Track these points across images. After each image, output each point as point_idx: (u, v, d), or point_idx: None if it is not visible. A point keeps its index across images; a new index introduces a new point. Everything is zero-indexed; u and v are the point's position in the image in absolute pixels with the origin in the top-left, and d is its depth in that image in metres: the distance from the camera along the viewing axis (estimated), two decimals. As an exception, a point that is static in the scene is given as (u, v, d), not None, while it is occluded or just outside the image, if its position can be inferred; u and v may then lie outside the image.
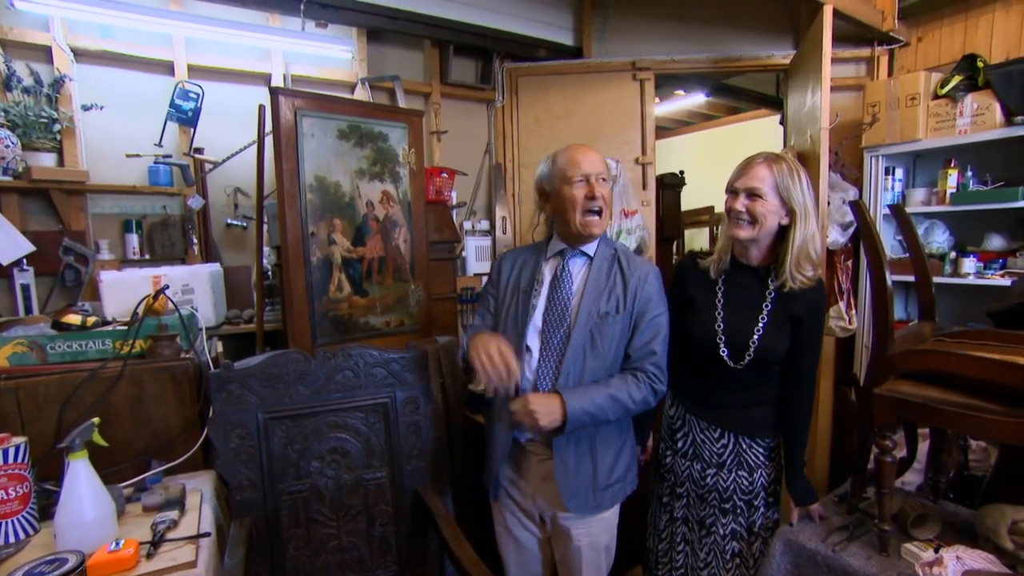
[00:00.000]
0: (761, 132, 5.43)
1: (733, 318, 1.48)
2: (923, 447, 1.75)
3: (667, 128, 6.80)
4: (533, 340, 1.50)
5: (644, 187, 3.22)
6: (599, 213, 1.47)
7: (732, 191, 1.46)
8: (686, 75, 3.43)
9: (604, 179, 1.48)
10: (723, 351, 1.48)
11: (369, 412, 1.71)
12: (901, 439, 1.67)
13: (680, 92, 5.09)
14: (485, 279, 1.75)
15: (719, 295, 1.52)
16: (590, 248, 1.54)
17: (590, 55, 3.29)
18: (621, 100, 3.21)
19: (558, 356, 1.46)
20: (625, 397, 1.42)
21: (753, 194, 1.40)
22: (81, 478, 1.19)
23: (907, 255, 1.70)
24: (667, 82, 3.69)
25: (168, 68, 2.45)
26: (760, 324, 1.44)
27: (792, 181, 1.38)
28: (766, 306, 1.45)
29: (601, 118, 3.23)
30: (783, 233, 1.44)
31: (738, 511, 1.53)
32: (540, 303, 1.51)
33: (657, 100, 4.01)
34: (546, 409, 1.36)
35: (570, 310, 1.49)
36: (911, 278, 1.68)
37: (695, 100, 5.56)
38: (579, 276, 1.52)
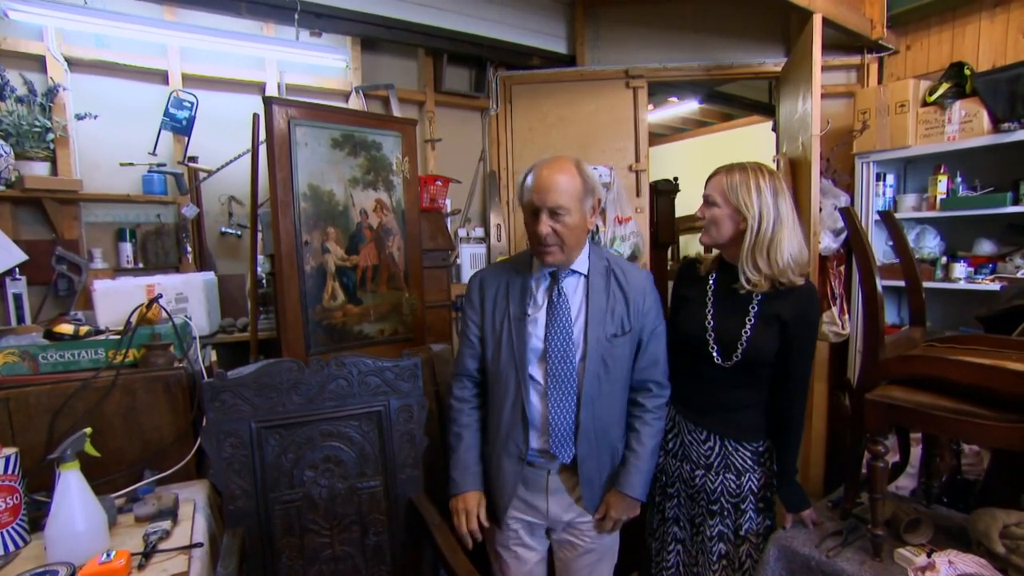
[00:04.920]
0: (754, 138, 5.47)
1: (723, 316, 1.50)
2: (916, 452, 1.76)
3: (661, 135, 6.83)
4: (536, 370, 1.45)
5: (638, 194, 3.24)
6: (547, 250, 1.39)
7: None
8: (679, 82, 3.45)
9: (560, 212, 1.35)
10: (712, 348, 1.49)
11: (363, 421, 1.70)
12: (894, 444, 1.67)
13: (673, 99, 5.12)
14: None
15: (709, 293, 1.54)
16: (581, 265, 1.47)
17: (583, 63, 3.31)
18: (614, 108, 3.23)
19: (574, 387, 1.42)
20: (656, 435, 1.52)
21: (708, 202, 1.49)
22: (72, 489, 1.18)
23: (898, 260, 1.71)
24: (660, 89, 3.70)
25: (162, 77, 2.45)
26: (748, 324, 1.46)
27: (745, 187, 1.43)
28: (753, 307, 1.46)
29: (595, 125, 3.24)
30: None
31: (725, 513, 1.53)
32: (539, 330, 1.44)
33: (650, 107, 4.04)
34: (629, 511, 1.51)
35: (575, 336, 1.43)
36: (902, 283, 1.69)
37: (688, 107, 5.59)
38: (577, 297, 1.46)
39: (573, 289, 1.47)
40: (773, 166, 3.12)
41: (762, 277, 1.43)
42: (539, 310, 1.45)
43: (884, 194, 2.88)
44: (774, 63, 3.17)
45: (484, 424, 1.58)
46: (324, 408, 1.65)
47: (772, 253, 1.40)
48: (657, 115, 5.80)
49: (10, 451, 1.23)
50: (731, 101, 4.41)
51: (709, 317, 1.51)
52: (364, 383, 1.69)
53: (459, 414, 1.58)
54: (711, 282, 1.55)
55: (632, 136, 3.23)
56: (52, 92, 2.19)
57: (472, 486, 1.53)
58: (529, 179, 1.39)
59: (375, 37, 2.81)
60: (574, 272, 1.47)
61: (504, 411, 1.48)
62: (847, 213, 1.52)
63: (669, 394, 1.55)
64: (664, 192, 3.74)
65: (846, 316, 2.87)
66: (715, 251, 1.59)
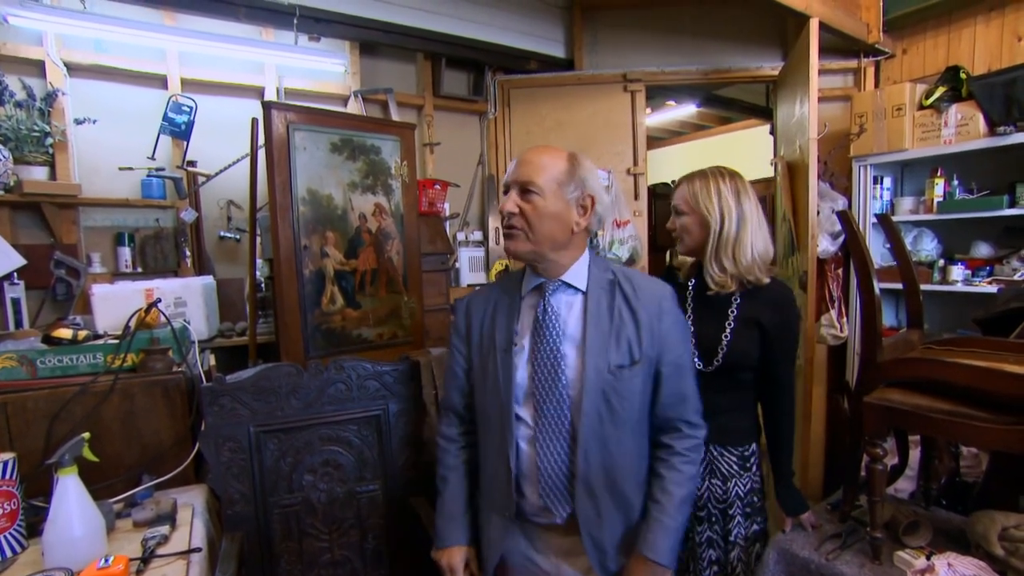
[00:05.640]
0: (752, 142, 5.49)
1: (702, 321, 1.50)
2: (914, 454, 1.76)
3: (659, 138, 6.86)
4: (524, 409, 1.21)
5: (636, 197, 3.24)
6: (510, 232, 1.19)
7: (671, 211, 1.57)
8: (677, 86, 3.46)
9: (531, 190, 1.16)
10: (693, 353, 1.49)
11: (362, 424, 1.70)
12: (892, 447, 1.67)
13: (671, 103, 5.14)
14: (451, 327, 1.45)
15: (689, 299, 1.54)
16: (577, 277, 1.23)
17: (581, 67, 3.32)
18: (612, 111, 3.24)
19: (566, 430, 1.18)
20: (685, 482, 1.22)
21: (676, 211, 1.51)
22: (70, 494, 1.18)
23: (896, 263, 1.71)
24: (658, 93, 3.73)
25: (161, 82, 2.46)
26: (728, 328, 1.46)
27: (705, 192, 1.45)
28: (732, 311, 1.47)
29: (593, 129, 3.25)
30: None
31: (713, 519, 1.52)
32: (523, 361, 1.21)
33: (648, 111, 4.05)
34: None
35: (569, 366, 1.19)
36: (900, 286, 1.70)
37: (686, 111, 5.61)
38: (573, 318, 1.22)
39: (568, 308, 1.22)
40: (771, 169, 3.15)
41: (728, 277, 1.44)
42: (525, 337, 1.22)
43: (881, 197, 2.89)
44: (771, 67, 3.18)
45: (475, 465, 1.38)
46: (323, 412, 1.65)
47: (736, 252, 1.42)
48: (655, 119, 5.82)
49: (7, 456, 1.23)
50: (729, 105, 4.43)
51: (689, 323, 1.51)
52: (363, 387, 1.69)
53: (445, 454, 1.39)
54: (690, 288, 1.56)
55: (630, 140, 3.24)
56: (51, 97, 2.20)
57: (457, 540, 1.32)
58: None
59: (374, 41, 2.82)
60: (568, 287, 1.23)
61: (490, 457, 1.28)
62: (844, 216, 1.52)
63: (704, 434, 1.28)
64: (662, 195, 3.77)
65: (844, 319, 2.87)
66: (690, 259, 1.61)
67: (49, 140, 2.19)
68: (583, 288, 1.22)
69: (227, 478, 1.54)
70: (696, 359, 1.46)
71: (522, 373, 1.21)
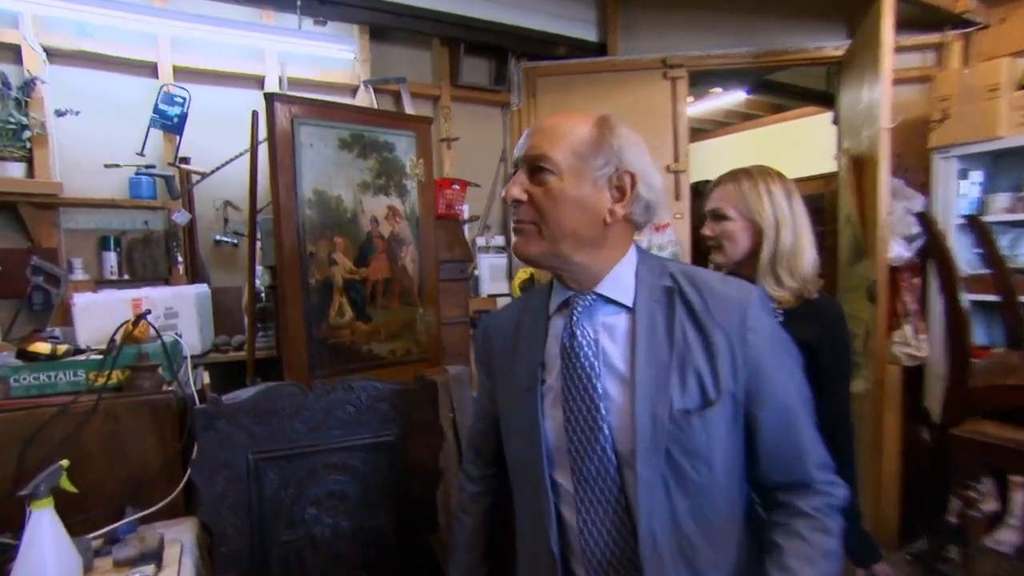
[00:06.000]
0: (810, 132, 5.41)
1: None
2: (1018, 498, 1.68)
3: (701, 130, 6.79)
4: (560, 471, 1.00)
5: (677, 197, 3.20)
6: (519, 227, 0.99)
7: (705, 215, 1.53)
8: (724, 71, 3.41)
9: (543, 166, 0.94)
10: None
11: (372, 451, 1.67)
12: (990, 489, 1.59)
13: (717, 90, 5.10)
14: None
15: None
16: (619, 287, 0.98)
17: (616, 52, 3.30)
18: (651, 101, 3.21)
19: (617, 500, 0.95)
20: (823, 564, 0.92)
21: (717, 215, 1.47)
22: (44, 530, 1.16)
23: (988, 271, 1.64)
24: (702, 80, 3.68)
25: (151, 70, 2.49)
26: None
27: (755, 194, 1.44)
28: None
29: (628, 121, 3.19)
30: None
31: None
32: (552, 404, 0.99)
33: (690, 99, 4.01)
34: None
35: (608, 412, 0.95)
36: (994, 297, 1.63)
37: (733, 98, 5.56)
38: (616, 345, 0.97)
39: (607, 332, 0.98)
40: (834, 164, 3.08)
41: (786, 292, 1.41)
42: (554, 371, 1.00)
43: (969, 194, 2.80)
44: (834, 47, 3.12)
45: (496, 513, 1.26)
46: (329, 437, 1.63)
47: (796, 264, 1.40)
48: (697, 108, 5.78)
49: (-24, 485, 1.21)
50: (783, 91, 4.37)
51: None
52: (374, 409, 1.67)
53: (463, 492, 1.27)
54: None
55: (670, 132, 3.20)
56: (28, 86, 2.22)
57: None
58: None
59: (385, 25, 2.83)
60: (606, 301, 0.99)
61: (526, 529, 1.09)
62: (924, 218, 1.48)
63: (845, 493, 0.99)
64: (707, 195, 3.71)
65: (923, 335, 2.78)
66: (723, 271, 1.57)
67: (27, 133, 2.21)
68: (628, 303, 0.98)
69: (221, 510, 1.52)
70: None
71: (552, 421, 0.99)
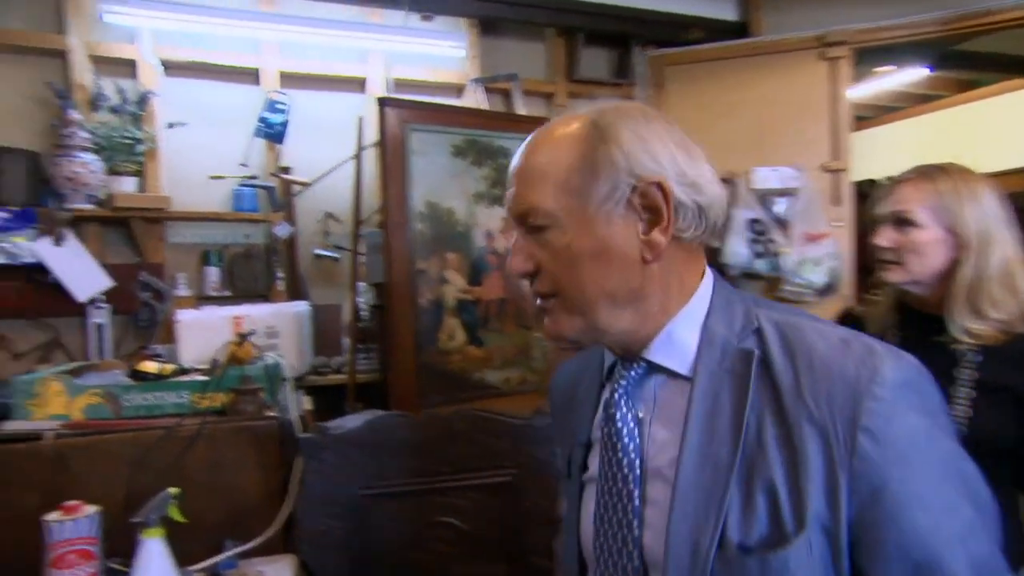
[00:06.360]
0: (1012, 114, 4.88)
1: None
2: None
3: (864, 117, 6.33)
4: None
5: (837, 202, 3.00)
6: (539, 304, 0.81)
7: (876, 220, 1.39)
8: (899, 45, 3.14)
9: (535, 222, 0.76)
10: None
11: (487, 492, 1.66)
12: None
13: (888, 68, 4.74)
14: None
15: None
16: (673, 350, 0.77)
17: (759, 32, 3.17)
18: (803, 87, 3.05)
19: None
20: None
21: (902, 221, 1.32)
22: (155, 560, 1.22)
23: None
24: (868, 57, 3.41)
25: (253, 77, 2.65)
26: (965, 399, 1.27)
27: (957, 198, 1.29)
28: (963, 373, 1.28)
29: (773, 113, 3.08)
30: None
31: None
32: (589, 498, 0.84)
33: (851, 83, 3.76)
34: None
35: (646, 525, 0.76)
36: None
37: (909, 77, 5.14)
38: (666, 430, 0.77)
39: (656, 412, 0.79)
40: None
41: (988, 326, 1.25)
42: (596, 455, 0.85)
43: None
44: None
45: None
46: (440, 474, 1.62)
47: (1006, 291, 1.26)
48: (858, 92, 5.40)
49: (92, 510, 1.30)
50: (978, 62, 3.98)
51: None
52: (489, 446, 1.65)
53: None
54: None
55: (827, 123, 3.02)
56: (144, 99, 2.43)
57: None
58: None
59: (496, 17, 2.86)
60: (654, 368, 0.79)
61: None
62: None
63: None
64: (876, 197, 3.46)
65: None
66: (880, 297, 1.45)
67: (140, 148, 2.41)
68: (685, 372, 0.76)
69: (324, 549, 1.55)
70: None
71: (592, 520, 0.82)
